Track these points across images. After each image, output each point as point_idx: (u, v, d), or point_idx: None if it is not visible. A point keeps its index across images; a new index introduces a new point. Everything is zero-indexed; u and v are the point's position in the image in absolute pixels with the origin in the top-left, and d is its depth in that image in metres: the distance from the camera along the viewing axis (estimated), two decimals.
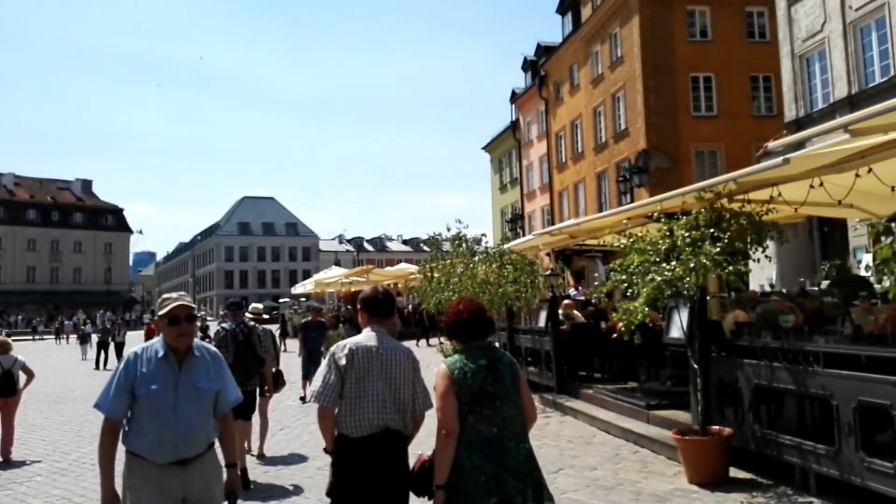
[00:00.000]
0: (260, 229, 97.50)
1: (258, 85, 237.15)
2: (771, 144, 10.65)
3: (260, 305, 10.32)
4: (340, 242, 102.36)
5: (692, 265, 5.18)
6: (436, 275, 12.49)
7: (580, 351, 10.53)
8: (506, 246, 11.62)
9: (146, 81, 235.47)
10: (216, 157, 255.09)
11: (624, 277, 5.77)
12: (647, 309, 5.51)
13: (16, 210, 77.74)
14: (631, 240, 5.96)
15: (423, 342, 24.53)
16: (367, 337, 3.65)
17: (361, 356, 3.54)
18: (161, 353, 3.43)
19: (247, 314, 8.28)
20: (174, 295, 3.61)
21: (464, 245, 12.24)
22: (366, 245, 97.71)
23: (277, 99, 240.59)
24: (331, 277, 33.46)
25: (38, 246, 78.57)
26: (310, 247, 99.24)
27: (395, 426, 3.55)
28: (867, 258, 13.57)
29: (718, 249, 5.18)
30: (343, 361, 3.52)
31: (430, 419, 3.55)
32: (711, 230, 5.39)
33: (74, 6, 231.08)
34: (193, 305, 3.62)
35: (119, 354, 24.31)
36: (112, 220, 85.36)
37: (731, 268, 5.32)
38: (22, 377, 9.57)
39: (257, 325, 8.01)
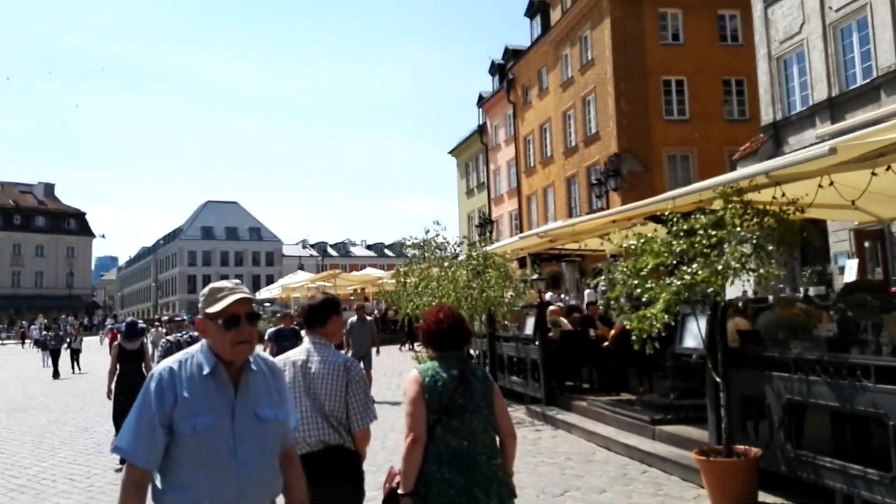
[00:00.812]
0: (223, 234, 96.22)
1: (222, 89, 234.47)
2: (818, 132, 10.38)
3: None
4: (304, 247, 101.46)
5: (718, 267, 4.83)
6: (411, 279, 12.06)
7: (569, 360, 10.04)
8: (488, 248, 11.17)
9: (109, 84, 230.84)
10: (180, 162, 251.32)
11: (636, 281, 5.34)
12: (665, 316, 5.10)
13: None
14: (641, 240, 5.55)
15: (405, 347, 23.97)
16: (298, 350, 3.50)
17: (288, 372, 3.37)
18: (207, 370, 2.40)
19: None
20: (228, 284, 2.54)
21: (446, 248, 11.75)
22: (329, 250, 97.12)
23: (241, 103, 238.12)
24: (297, 282, 32.84)
25: None
26: (273, 251, 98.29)
27: (335, 442, 3.39)
28: (851, 263, 13.45)
29: (746, 250, 4.83)
30: None
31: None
32: (738, 228, 5.01)
33: (35, 7, 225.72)
34: (254, 297, 2.73)
35: (75, 361, 23.47)
36: (75, 223, 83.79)
37: (761, 270, 4.96)
38: None
39: (195, 334, 8.02)
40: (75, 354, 23.76)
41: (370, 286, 30.12)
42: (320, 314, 3.52)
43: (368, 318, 12.66)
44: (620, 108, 26.39)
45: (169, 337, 8.25)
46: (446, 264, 11.35)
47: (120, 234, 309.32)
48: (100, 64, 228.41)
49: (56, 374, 22.11)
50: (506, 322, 11.50)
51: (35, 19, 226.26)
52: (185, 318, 21.11)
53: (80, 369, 23.18)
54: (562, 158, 31.16)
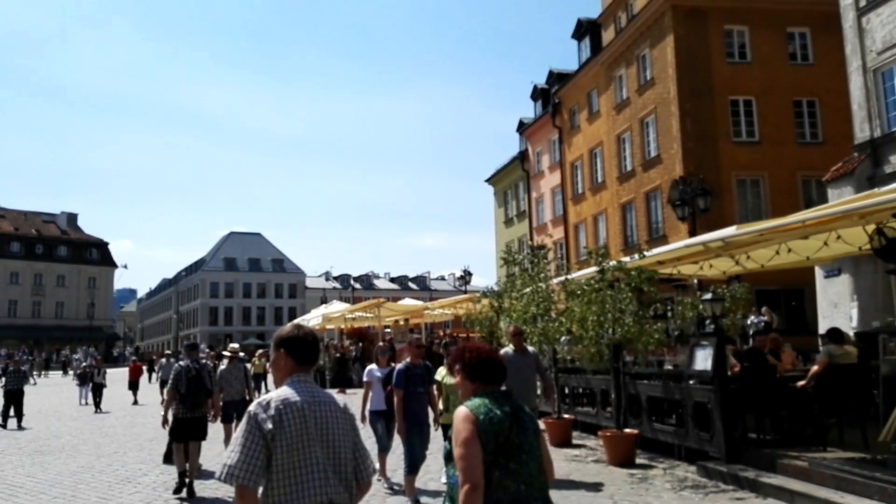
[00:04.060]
0: (246, 265, 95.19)
1: (245, 126, 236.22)
2: None
3: (236, 345, 12.30)
4: (327, 279, 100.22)
5: None
6: (511, 303, 10.31)
7: (751, 404, 7.83)
8: (610, 263, 9.29)
9: (132, 120, 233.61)
10: (203, 195, 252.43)
11: None
12: None
13: None
14: None
15: None
16: (293, 391, 2.82)
17: (292, 416, 2.72)
18: None
19: (224, 353, 10.64)
20: None
21: (547, 268, 10.03)
22: (353, 282, 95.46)
23: (264, 138, 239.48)
24: (335, 312, 31.07)
25: (20, 279, 76.01)
26: (296, 283, 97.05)
27: (342, 501, 2.81)
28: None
29: None
30: (269, 425, 2.68)
31: None
32: None
33: (61, 46, 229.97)
34: None
35: (97, 396, 21.32)
36: (97, 254, 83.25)
37: None
38: None
39: (208, 362, 9.84)
40: (97, 389, 21.50)
41: (414, 317, 28.41)
42: (316, 351, 2.99)
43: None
44: (685, 129, 24.72)
45: (181, 363, 9.02)
46: (569, 286, 9.49)
47: (139, 267, 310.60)
48: (124, 101, 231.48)
49: (97, 409, 20.75)
50: (636, 354, 9.55)
51: (62, 57, 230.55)
52: (196, 345, 19.80)
53: (100, 408, 20.98)
54: (615, 184, 29.45)
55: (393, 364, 8.40)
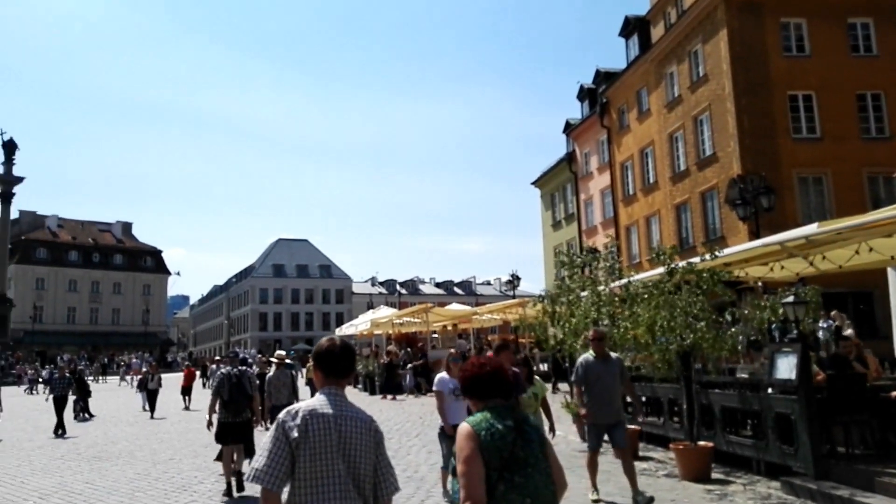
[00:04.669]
0: (294, 271, 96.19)
1: (291, 133, 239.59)
2: None
3: (283, 352, 12.93)
4: (373, 285, 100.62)
5: None
6: (564, 308, 9.91)
7: (838, 414, 7.24)
8: (680, 264, 8.79)
9: (183, 131, 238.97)
10: (252, 203, 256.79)
11: None
12: None
13: (58, 251, 77.99)
14: None
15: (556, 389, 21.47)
16: (322, 402, 2.91)
17: (318, 427, 2.80)
18: None
19: (272, 359, 11.60)
20: None
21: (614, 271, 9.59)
22: (398, 287, 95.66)
23: (310, 146, 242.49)
24: (383, 317, 30.96)
25: (78, 287, 78.36)
26: (343, 289, 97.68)
27: None
28: None
29: None
30: (295, 434, 2.78)
31: None
32: None
33: (119, 61, 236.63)
34: None
35: (152, 402, 21.35)
36: (151, 261, 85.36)
37: None
38: None
39: (250, 370, 10.43)
40: (152, 396, 21.48)
41: (462, 322, 28.11)
42: (348, 364, 3.06)
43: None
44: (742, 126, 23.92)
45: (223, 369, 9.52)
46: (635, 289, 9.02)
47: (191, 274, 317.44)
48: (176, 112, 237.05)
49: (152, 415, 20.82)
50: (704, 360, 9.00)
51: (119, 72, 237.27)
52: (238, 354, 19.92)
53: (152, 413, 20.99)
54: (668, 184, 28.71)
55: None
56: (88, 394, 22.04)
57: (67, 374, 19.85)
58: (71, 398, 21.57)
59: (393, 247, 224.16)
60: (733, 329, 8.44)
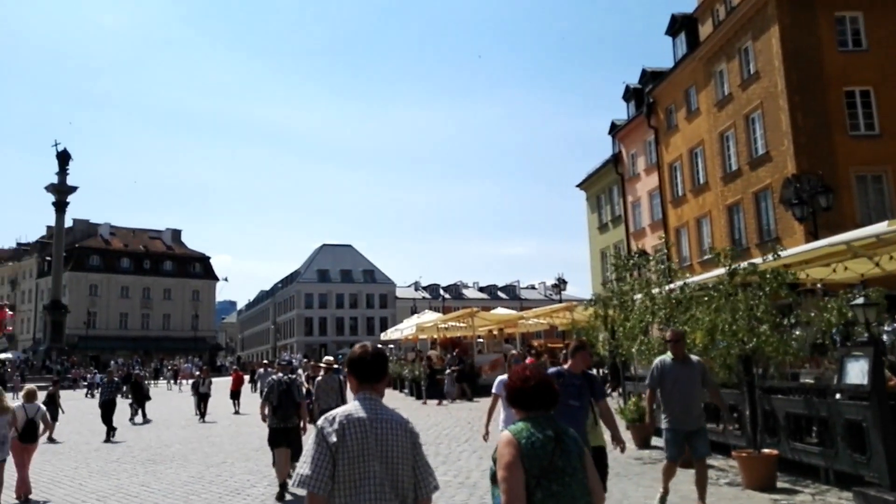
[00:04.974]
0: (338, 276, 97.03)
1: (333, 140, 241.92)
2: None
3: (331, 357, 13.79)
4: (416, 289, 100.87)
5: None
6: (622, 311, 9.65)
7: None
8: (742, 265, 8.47)
9: (229, 139, 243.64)
10: (295, 210, 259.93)
11: None
12: None
13: (111, 258, 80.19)
14: None
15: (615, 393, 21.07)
16: (357, 407, 3.03)
17: (355, 432, 2.92)
18: None
19: (320, 364, 12.36)
20: None
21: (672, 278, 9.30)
22: (442, 292, 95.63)
23: (352, 152, 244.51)
24: (428, 321, 30.92)
25: (130, 293, 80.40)
26: (387, 294, 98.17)
27: None
28: None
29: None
30: (333, 438, 2.90)
31: None
32: None
33: (163, 73, 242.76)
34: None
35: (203, 406, 21.50)
36: (199, 268, 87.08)
37: None
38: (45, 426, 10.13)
39: (297, 376, 10.74)
40: (203, 399, 21.59)
41: (508, 326, 27.88)
42: (379, 369, 3.16)
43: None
44: (796, 123, 23.25)
45: (273, 376, 9.89)
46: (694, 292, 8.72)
47: (238, 280, 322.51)
48: (221, 121, 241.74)
49: (202, 418, 21.04)
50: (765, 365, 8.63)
51: (165, 82, 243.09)
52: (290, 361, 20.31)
53: (203, 417, 21.13)
54: (720, 184, 28.07)
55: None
56: (146, 398, 22.30)
57: (116, 379, 19.58)
58: (125, 401, 22.00)
59: (436, 251, 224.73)
60: (797, 332, 8.07)
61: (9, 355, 53.66)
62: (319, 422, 3.03)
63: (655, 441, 11.41)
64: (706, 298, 8.54)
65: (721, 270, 9.20)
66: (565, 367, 6.14)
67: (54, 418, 17.21)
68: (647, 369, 13.04)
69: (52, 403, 17.54)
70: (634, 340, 9.56)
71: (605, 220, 40.80)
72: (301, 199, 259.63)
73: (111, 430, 16.99)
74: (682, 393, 6.81)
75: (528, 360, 22.99)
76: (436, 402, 23.29)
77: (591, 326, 12.01)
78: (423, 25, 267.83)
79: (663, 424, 7.02)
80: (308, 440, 3.05)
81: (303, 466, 2.92)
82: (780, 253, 8.80)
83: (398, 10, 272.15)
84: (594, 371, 23.37)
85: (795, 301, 8.52)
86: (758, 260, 8.85)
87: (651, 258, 12.05)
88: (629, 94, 38.36)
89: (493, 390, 7.51)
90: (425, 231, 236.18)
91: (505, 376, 7.09)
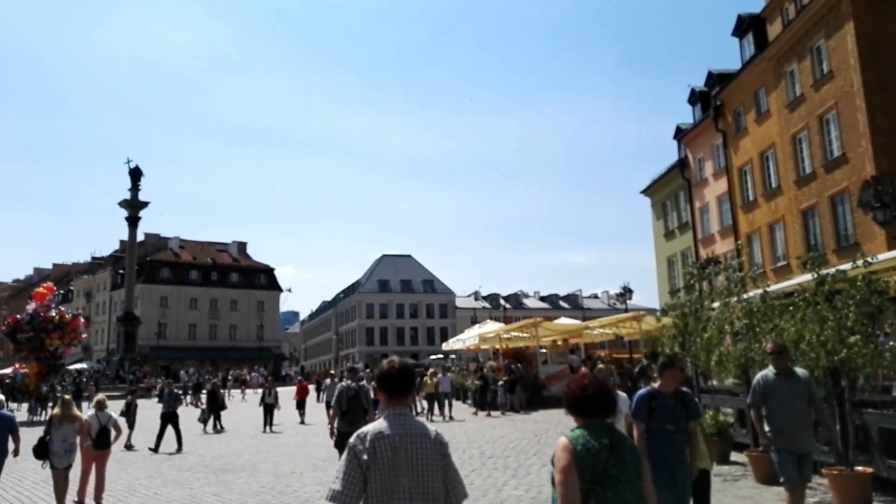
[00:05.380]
0: (399, 286, 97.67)
1: (392, 150, 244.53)
2: None
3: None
4: (476, 299, 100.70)
5: None
6: (699, 321, 9.26)
7: None
8: (830, 271, 8.01)
9: (291, 152, 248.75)
10: (355, 220, 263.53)
11: None
12: None
13: (180, 271, 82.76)
14: None
15: None
16: (386, 424, 3.16)
17: (385, 449, 3.07)
18: None
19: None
20: None
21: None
22: (502, 302, 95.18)
23: (411, 162, 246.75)
24: (490, 332, 30.67)
25: (199, 304, 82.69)
26: (447, 304, 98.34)
27: None
28: None
29: None
30: (365, 456, 3.05)
31: None
32: None
33: (228, 88, 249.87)
34: None
35: (269, 416, 21.40)
36: (264, 279, 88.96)
37: None
38: (114, 432, 10.36)
39: (365, 384, 10.80)
40: (269, 409, 21.55)
41: (571, 336, 27.40)
42: (406, 384, 3.29)
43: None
44: (875, 124, 22.21)
45: (343, 383, 10.38)
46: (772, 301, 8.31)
47: (301, 291, 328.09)
48: (283, 134, 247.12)
49: (266, 427, 21.12)
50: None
51: (231, 97, 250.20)
52: (356, 368, 20.17)
53: (271, 428, 21.13)
54: (793, 188, 27.03)
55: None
56: (222, 407, 22.57)
57: (176, 391, 19.29)
58: (197, 409, 22.42)
59: (495, 261, 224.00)
60: (892, 343, 7.54)
61: (84, 365, 55.85)
62: (352, 440, 3.15)
63: (735, 456, 10.94)
64: (790, 308, 8.08)
65: (802, 278, 8.76)
66: (656, 385, 5.65)
67: (132, 426, 17.71)
68: (724, 383, 12.57)
69: (130, 412, 17.97)
70: (712, 352, 9.13)
71: (672, 227, 39.82)
72: (361, 210, 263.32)
73: (179, 442, 16.84)
74: (790, 411, 6.25)
75: (583, 371, 22.50)
76: (485, 413, 23.15)
77: (665, 337, 11.57)
78: (480, 34, 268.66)
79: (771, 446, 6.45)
80: (342, 457, 3.19)
81: (335, 482, 3.06)
82: (868, 259, 8.28)
83: (456, 19, 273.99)
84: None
85: (884, 309, 7.97)
86: (846, 266, 8.36)
87: (726, 266, 11.52)
88: (695, 98, 37.43)
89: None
90: (484, 240, 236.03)
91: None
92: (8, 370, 47.43)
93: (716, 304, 10.48)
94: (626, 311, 37.63)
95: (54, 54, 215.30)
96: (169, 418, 17.20)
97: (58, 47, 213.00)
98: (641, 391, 5.73)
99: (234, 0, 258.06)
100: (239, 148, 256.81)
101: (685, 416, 5.42)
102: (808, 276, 8.59)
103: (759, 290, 9.78)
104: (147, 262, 78.59)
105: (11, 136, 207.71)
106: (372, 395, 10.82)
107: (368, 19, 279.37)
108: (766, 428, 6.36)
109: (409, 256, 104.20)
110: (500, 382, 24.67)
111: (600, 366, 7.42)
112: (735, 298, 10.31)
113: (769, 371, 6.52)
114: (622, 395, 6.67)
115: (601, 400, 3.29)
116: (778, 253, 28.38)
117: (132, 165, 56.33)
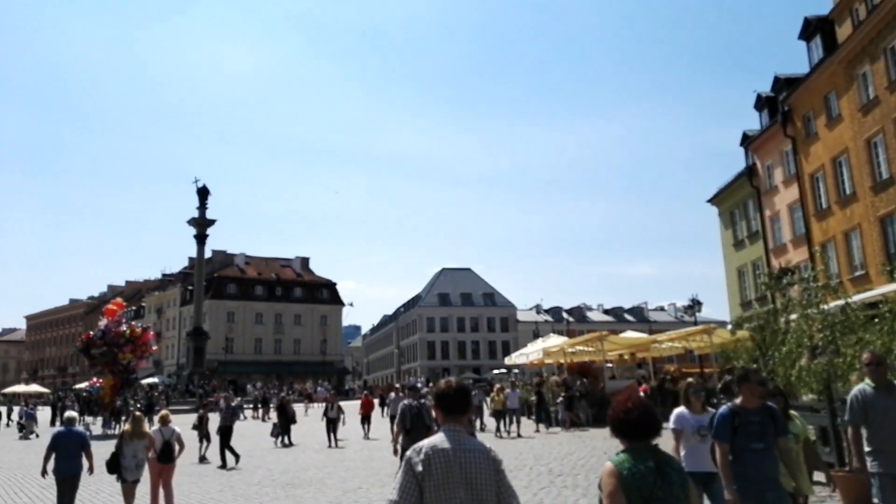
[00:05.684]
0: (459, 300, 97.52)
1: (450, 164, 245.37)
2: None
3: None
4: (538, 312, 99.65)
5: None
6: (776, 333, 8.86)
7: None
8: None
9: (350, 168, 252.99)
10: (414, 234, 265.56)
11: None
12: None
13: (246, 287, 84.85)
14: None
15: None
16: (442, 439, 3.33)
17: (439, 461, 3.23)
18: None
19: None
20: None
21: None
22: (565, 315, 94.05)
23: (469, 176, 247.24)
24: (553, 346, 30.23)
25: (264, 319, 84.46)
26: (507, 317, 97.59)
27: None
28: None
29: None
30: (420, 468, 3.23)
31: None
32: None
33: (283, 107, 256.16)
34: None
35: (332, 431, 21.34)
36: (326, 293, 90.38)
37: None
38: (177, 447, 10.53)
39: (426, 401, 10.85)
40: (332, 424, 21.42)
41: (639, 351, 26.80)
42: (462, 403, 3.46)
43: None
44: None
45: (405, 401, 10.59)
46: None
47: (362, 305, 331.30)
48: (342, 151, 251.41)
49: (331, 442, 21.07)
50: None
51: (292, 116, 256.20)
52: (416, 386, 20.10)
53: (336, 443, 21.05)
54: (869, 195, 25.92)
55: (709, 409, 6.06)
56: (292, 421, 22.63)
57: (232, 405, 19.31)
58: (264, 423, 22.72)
59: (557, 273, 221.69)
60: None
61: (156, 380, 57.59)
62: (408, 452, 3.33)
63: (817, 475, 10.38)
64: (875, 319, 7.66)
65: (886, 288, 8.30)
66: (737, 402, 5.24)
67: (205, 439, 18.08)
68: (801, 399, 12.01)
69: (202, 425, 18.32)
70: (792, 367, 8.71)
71: (741, 237, 38.63)
72: (421, 224, 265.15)
73: (234, 457, 16.87)
74: (893, 428, 5.67)
75: (641, 388, 22.01)
76: (542, 428, 22.87)
77: (740, 351, 11.13)
78: (535, 46, 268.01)
79: (870, 468, 5.86)
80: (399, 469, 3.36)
81: (392, 493, 3.24)
82: None
83: (512, 33, 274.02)
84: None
85: None
86: None
87: (802, 276, 11.03)
88: (761, 103, 36.35)
89: (672, 425, 6.11)
90: (545, 252, 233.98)
91: (683, 409, 6.16)
92: (85, 384, 49.33)
93: (793, 317, 10.04)
94: (696, 323, 36.59)
95: (126, 78, 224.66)
96: (223, 432, 17.27)
97: (129, 71, 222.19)
98: (722, 409, 5.37)
99: (295, 24, 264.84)
100: (301, 165, 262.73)
101: (774, 433, 5.06)
102: (893, 286, 8.13)
103: (840, 302, 9.32)
104: (214, 278, 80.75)
105: (87, 157, 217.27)
106: (433, 413, 10.96)
107: (426, 36, 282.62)
108: (867, 448, 5.86)
109: (468, 270, 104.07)
110: (559, 399, 24.26)
111: (690, 380, 6.89)
112: (815, 310, 9.85)
113: (866, 385, 6.00)
114: (682, 410, 6.15)
115: (645, 421, 3.30)
116: (855, 262, 27.21)
117: (200, 185, 58.12)
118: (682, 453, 5.92)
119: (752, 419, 5.07)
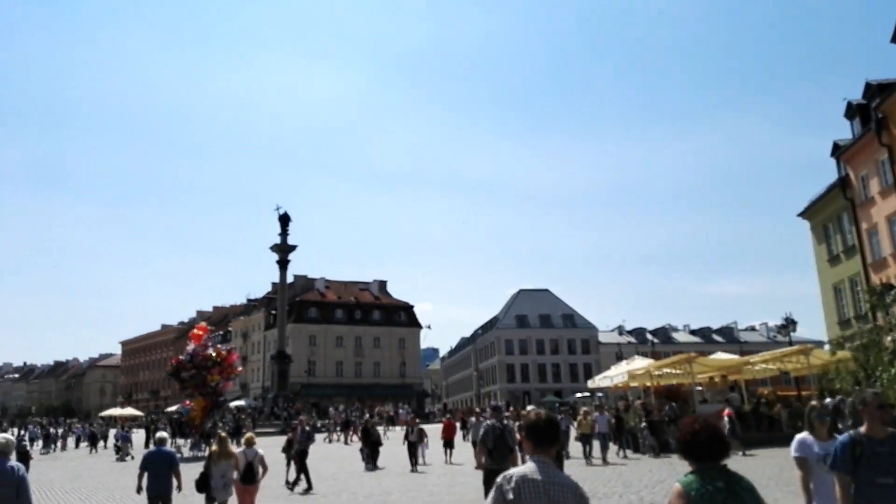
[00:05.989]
0: (537, 321, 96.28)
1: (523, 185, 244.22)
2: None
3: (532, 407, 15.07)
4: (620, 334, 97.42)
5: None
6: (885, 354, 8.17)
7: None
8: None
9: (425, 191, 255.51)
10: (490, 256, 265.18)
11: None
12: None
13: (326, 310, 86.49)
14: None
15: None
16: (533, 469, 3.40)
17: (529, 491, 3.32)
18: None
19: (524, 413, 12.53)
20: None
21: None
22: (649, 336, 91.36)
23: (543, 196, 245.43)
24: (639, 368, 29.26)
25: (344, 342, 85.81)
26: (588, 339, 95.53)
27: None
28: None
29: None
30: (511, 496, 3.33)
31: None
32: None
33: (360, 133, 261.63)
34: None
35: (413, 455, 21.01)
36: (404, 316, 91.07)
37: None
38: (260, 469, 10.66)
39: (509, 422, 11.59)
40: (412, 447, 21.19)
41: (731, 373, 25.61)
42: (552, 435, 3.54)
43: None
44: None
45: (489, 422, 10.50)
46: None
47: (439, 327, 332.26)
48: (417, 175, 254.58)
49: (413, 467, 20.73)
50: None
51: (369, 142, 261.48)
52: (500, 406, 19.44)
53: (414, 465, 20.82)
54: None
55: (836, 436, 5.30)
56: (378, 444, 22.54)
57: (307, 428, 19.20)
58: (346, 446, 22.71)
59: (638, 293, 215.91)
60: None
61: (243, 402, 58.99)
62: (499, 479, 3.43)
63: None
64: None
65: None
66: (862, 430, 4.71)
67: (293, 462, 18.09)
68: None
69: (291, 448, 18.40)
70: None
71: (836, 252, 36.69)
72: (497, 245, 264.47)
73: (300, 482, 16.68)
74: None
75: (726, 413, 20.91)
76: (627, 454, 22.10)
77: (842, 372, 10.36)
78: (611, 62, 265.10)
79: None
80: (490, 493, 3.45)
81: None
82: None
83: (583, 49, 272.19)
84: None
85: None
86: None
87: None
88: (852, 111, 34.64)
89: (795, 452, 5.49)
90: (626, 272, 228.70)
91: (807, 435, 5.58)
92: (176, 406, 51.05)
93: None
94: (791, 343, 34.85)
95: (212, 110, 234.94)
96: (299, 455, 17.18)
97: (214, 103, 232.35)
98: (843, 437, 4.86)
99: (370, 52, 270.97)
100: (378, 190, 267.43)
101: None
102: None
103: None
104: (296, 302, 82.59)
105: (178, 188, 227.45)
106: (517, 437, 10.96)
107: (497, 56, 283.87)
108: None
109: (546, 291, 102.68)
110: (643, 424, 23.35)
111: (813, 402, 6.18)
112: None
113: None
114: (805, 436, 5.51)
115: (713, 443, 3.31)
116: None
117: (281, 212, 59.54)
118: (812, 486, 5.35)
119: (879, 450, 4.53)
